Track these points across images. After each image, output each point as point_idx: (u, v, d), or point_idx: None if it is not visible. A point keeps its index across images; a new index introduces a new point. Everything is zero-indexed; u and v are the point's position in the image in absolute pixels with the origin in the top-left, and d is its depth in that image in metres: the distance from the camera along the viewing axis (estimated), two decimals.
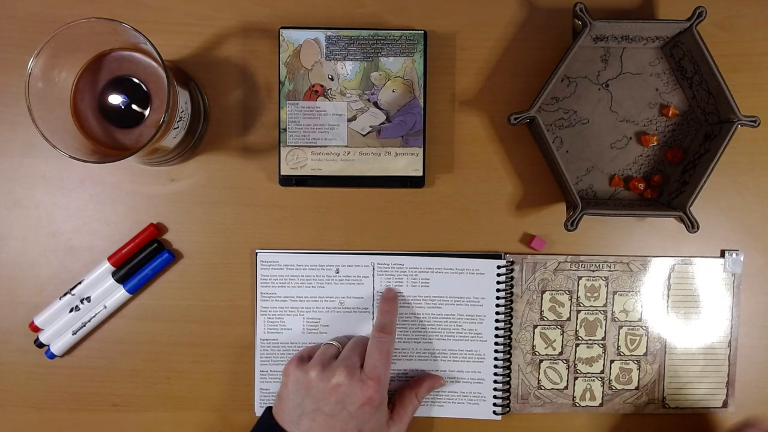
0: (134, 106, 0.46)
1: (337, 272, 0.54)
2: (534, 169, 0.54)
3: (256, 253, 0.53)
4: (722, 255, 0.54)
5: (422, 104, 0.52)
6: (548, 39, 0.53)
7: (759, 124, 0.49)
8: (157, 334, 0.54)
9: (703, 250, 0.55)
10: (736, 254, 0.54)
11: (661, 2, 0.53)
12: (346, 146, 0.52)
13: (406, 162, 0.52)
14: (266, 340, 0.54)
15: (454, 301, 0.54)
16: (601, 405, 0.55)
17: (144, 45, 0.43)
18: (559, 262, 0.54)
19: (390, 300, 0.52)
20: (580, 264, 0.54)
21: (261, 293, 0.54)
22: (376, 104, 0.52)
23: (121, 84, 0.46)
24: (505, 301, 0.54)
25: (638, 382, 0.55)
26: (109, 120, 0.46)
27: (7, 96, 0.53)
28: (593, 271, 0.54)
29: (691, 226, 0.49)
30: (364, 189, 0.54)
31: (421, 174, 0.52)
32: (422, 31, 0.52)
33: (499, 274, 0.53)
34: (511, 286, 0.54)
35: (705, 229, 0.53)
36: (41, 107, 0.43)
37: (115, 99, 0.46)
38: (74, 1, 0.53)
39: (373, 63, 0.52)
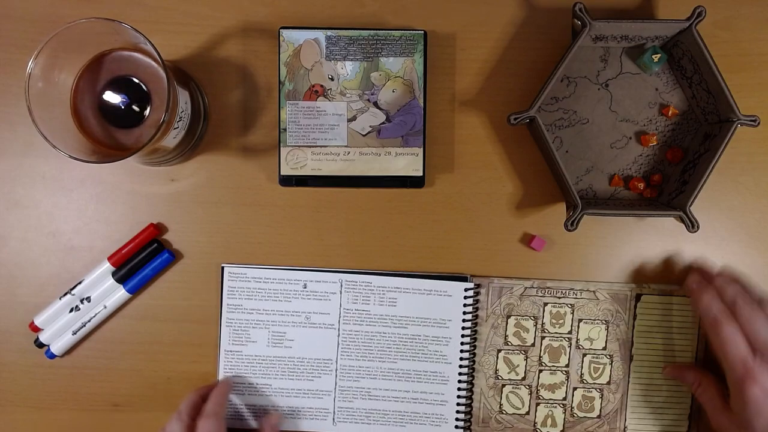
0: (134, 106, 0.46)
1: (305, 287, 0.53)
2: (534, 169, 0.54)
3: (223, 267, 0.53)
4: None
5: (422, 104, 0.52)
6: (548, 39, 0.53)
7: (759, 123, 0.49)
8: (157, 334, 0.54)
9: (704, 250, 0.54)
10: None
11: (661, 2, 0.53)
12: (346, 146, 0.52)
13: (406, 162, 0.52)
14: (230, 351, 0.54)
15: (420, 321, 0.53)
16: None
17: (144, 45, 0.43)
18: (526, 288, 0.54)
19: (221, 385, 0.52)
20: (546, 290, 0.54)
21: (227, 304, 0.53)
22: (376, 104, 0.52)
23: (121, 84, 0.46)
24: (471, 323, 0.53)
25: (600, 410, 0.54)
26: (109, 120, 0.46)
27: (7, 96, 0.53)
28: (559, 297, 0.54)
29: (691, 225, 0.49)
30: (364, 189, 0.54)
31: (421, 174, 0.52)
32: (422, 31, 0.52)
33: (466, 297, 0.53)
34: (477, 309, 0.54)
35: (705, 229, 0.53)
36: (41, 107, 0.43)
37: (115, 99, 0.46)
38: (74, 1, 0.53)
39: (373, 63, 0.52)
